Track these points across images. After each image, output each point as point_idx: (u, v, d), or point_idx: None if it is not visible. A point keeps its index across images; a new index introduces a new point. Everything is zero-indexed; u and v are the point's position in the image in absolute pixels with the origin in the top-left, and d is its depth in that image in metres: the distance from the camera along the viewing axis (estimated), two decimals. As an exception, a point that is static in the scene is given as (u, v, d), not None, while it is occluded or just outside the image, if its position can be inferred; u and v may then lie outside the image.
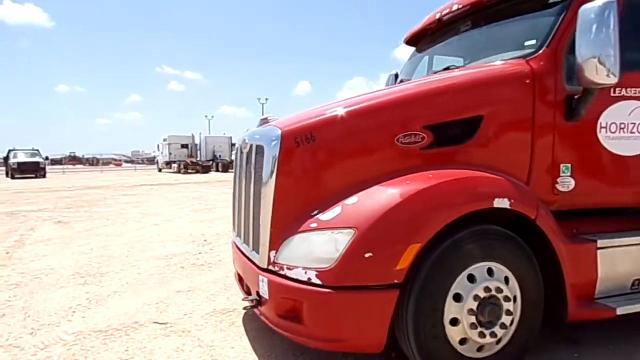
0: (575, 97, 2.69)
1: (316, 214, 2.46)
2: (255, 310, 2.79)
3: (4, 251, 6.26)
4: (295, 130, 2.59)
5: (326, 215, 2.43)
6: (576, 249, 2.74)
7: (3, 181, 25.96)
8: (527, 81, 2.70)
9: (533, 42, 2.86)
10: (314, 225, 2.43)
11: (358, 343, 2.41)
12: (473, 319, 2.41)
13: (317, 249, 2.36)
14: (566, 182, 2.83)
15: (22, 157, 30.16)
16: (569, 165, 2.82)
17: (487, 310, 2.43)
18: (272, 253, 2.53)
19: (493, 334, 2.47)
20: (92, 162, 63.95)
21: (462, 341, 2.44)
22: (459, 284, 2.40)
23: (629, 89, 2.84)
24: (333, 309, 2.31)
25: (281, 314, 2.47)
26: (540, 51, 2.75)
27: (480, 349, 2.49)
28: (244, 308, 3.30)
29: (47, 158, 38.19)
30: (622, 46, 2.55)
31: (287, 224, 2.51)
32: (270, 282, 2.50)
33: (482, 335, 2.44)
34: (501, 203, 2.47)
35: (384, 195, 2.41)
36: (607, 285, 2.86)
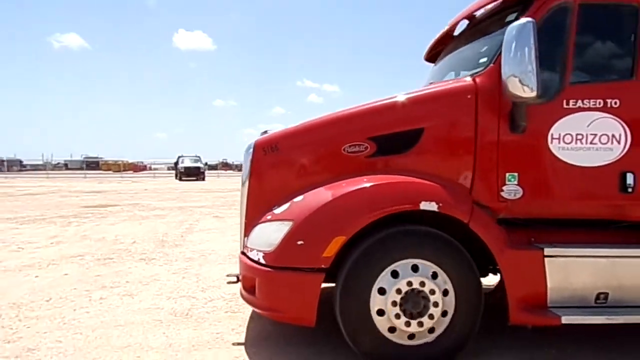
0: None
1: (274, 209, 2.99)
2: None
3: (180, 235, 8.11)
4: (265, 141, 3.17)
5: (278, 210, 2.95)
6: (519, 255, 2.86)
7: (174, 182, 31.30)
8: (469, 96, 2.92)
9: (485, 59, 3.09)
10: (269, 217, 2.96)
11: (293, 315, 2.85)
12: (397, 310, 2.71)
13: (267, 235, 2.87)
14: (512, 190, 2.96)
15: (187, 163, 35.50)
16: (515, 174, 2.95)
17: (411, 302, 2.72)
18: (245, 239, 3.11)
19: (420, 324, 2.74)
20: (241, 168, 70.96)
21: (392, 329, 2.74)
22: (383, 278, 2.73)
23: (580, 101, 2.91)
24: (273, 285, 2.81)
25: (245, 288, 3.03)
26: (487, 68, 2.97)
27: (411, 337, 2.77)
28: (228, 283, 3.65)
29: (206, 164, 43.97)
30: (579, 59, 2.88)
31: (255, 216, 3.08)
32: (240, 262, 3.11)
33: (408, 324, 2.72)
34: (428, 206, 2.76)
35: (321, 195, 2.88)
36: (562, 295, 2.90)
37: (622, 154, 2.95)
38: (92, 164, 60.01)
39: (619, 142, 2.95)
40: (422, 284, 2.75)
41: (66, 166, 61.33)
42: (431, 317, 2.76)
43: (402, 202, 2.81)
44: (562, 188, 3.03)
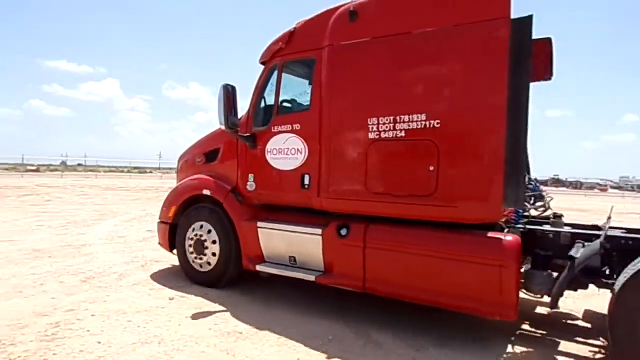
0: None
1: None
2: None
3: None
4: (182, 155, 5.80)
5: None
6: (245, 225, 4.72)
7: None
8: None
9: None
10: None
11: (163, 244, 5.54)
12: (192, 249, 5.08)
13: None
14: (251, 185, 4.74)
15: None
16: (252, 175, 4.72)
17: (197, 245, 5.03)
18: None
19: (201, 259, 5.02)
20: (575, 185, 57.97)
21: (193, 260, 5.09)
22: (189, 231, 5.13)
23: (281, 127, 4.44)
24: (159, 230, 5.58)
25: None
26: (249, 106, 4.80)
27: (201, 266, 5.04)
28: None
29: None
30: (281, 97, 4.54)
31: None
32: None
33: (197, 258, 5.06)
34: (206, 192, 5.00)
35: (178, 184, 5.54)
36: (271, 254, 4.60)
37: (303, 162, 4.28)
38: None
39: (301, 153, 4.30)
40: (201, 235, 5.02)
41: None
42: (206, 255, 4.99)
43: (196, 190, 5.16)
44: (272, 184, 4.60)
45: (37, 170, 42.82)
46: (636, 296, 2.93)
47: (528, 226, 3.95)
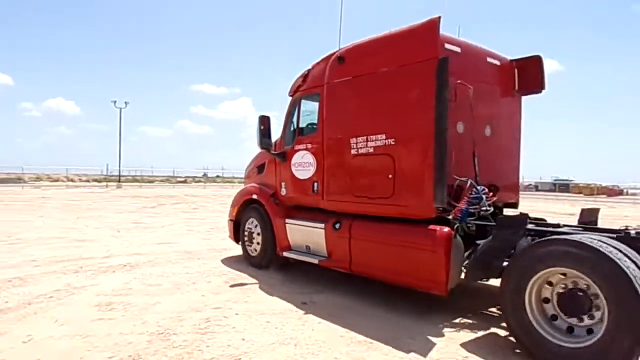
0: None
1: None
2: None
3: None
4: (247, 165, 7.61)
5: None
6: (279, 221, 6.01)
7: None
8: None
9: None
10: None
11: (231, 237, 7.22)
12: (246, 239, 6.68)
13: None
14: (283, 191, 6.11)
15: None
16: (284, 183, 6.09)
17: (248, 236, 6.65)
18: None
19: (251, 246, 6.60)
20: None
21: (247, 247, 6.71)
22: (245, 225, 6.70)
23: (300, 145, 5.76)
24: (228, 226, 7.31)
25: None
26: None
27: (252, 252, 6.63)
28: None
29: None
30: (303, 124, 5.89)
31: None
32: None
33: (249, 246, 6.68)
34: (255, 197, 6.50)
35: (240, 189, 7.31)
36: (295, 244, 5.86)
37: (313, 172, 5.54)
38: (562, 186, 56.70)
39: (312, 166, 5.56)
40: (251, 228, 6.60)
41: (536, 188, 57.38)
42: (254, 244, 6.57)
43: (249, 194, 6.68)
44: (296, 190, 5.89)
45: (184, 182, 49.01)
46: (509, 279, 3.63)
47: (477, 222, 4.33)
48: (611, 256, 3.01)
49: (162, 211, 16.29)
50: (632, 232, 3.48)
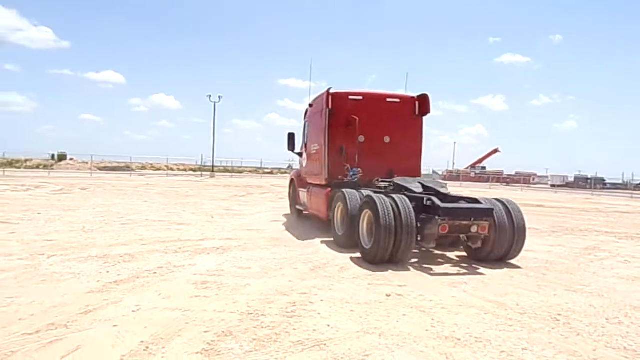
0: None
1: None
2: None
3: None
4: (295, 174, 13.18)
5: None
6: (299, 190, 11.04)
7: None
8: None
9: None
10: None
11: (291, 206, 12.51)
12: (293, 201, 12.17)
13: None
14: (304, 172, 10.90)
15: None
16: (304, 169, 11.05)
17: (293, 198, 12.00)
18: None
19: (297, 205, 11.37)
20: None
21: (295, 205, 11.76)
22: (291, 192, 12.34)
23: (306, 148, 10.50)
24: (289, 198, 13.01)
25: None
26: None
27: (298, 207, 11.28)
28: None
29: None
30: (308, 134, 10.55)
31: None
32: None
33: (295, 204, 11.76)
34: (293, 177, 12.22)
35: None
36: (303, 203, 10.63)
37: (306, 164, 10.51)
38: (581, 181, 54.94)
39: (304, 160, 10.69)
40: (293, 193, 12.13)
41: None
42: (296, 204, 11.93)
43: (292, 176, 12.31)
44: (302, 173, 11.15)
45: (271, 173, 51.03)
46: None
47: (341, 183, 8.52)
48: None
49: (251, 200, 17.18)
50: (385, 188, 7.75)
